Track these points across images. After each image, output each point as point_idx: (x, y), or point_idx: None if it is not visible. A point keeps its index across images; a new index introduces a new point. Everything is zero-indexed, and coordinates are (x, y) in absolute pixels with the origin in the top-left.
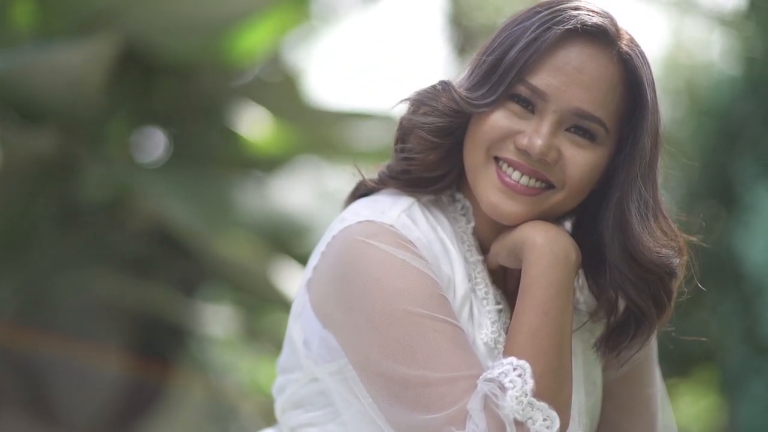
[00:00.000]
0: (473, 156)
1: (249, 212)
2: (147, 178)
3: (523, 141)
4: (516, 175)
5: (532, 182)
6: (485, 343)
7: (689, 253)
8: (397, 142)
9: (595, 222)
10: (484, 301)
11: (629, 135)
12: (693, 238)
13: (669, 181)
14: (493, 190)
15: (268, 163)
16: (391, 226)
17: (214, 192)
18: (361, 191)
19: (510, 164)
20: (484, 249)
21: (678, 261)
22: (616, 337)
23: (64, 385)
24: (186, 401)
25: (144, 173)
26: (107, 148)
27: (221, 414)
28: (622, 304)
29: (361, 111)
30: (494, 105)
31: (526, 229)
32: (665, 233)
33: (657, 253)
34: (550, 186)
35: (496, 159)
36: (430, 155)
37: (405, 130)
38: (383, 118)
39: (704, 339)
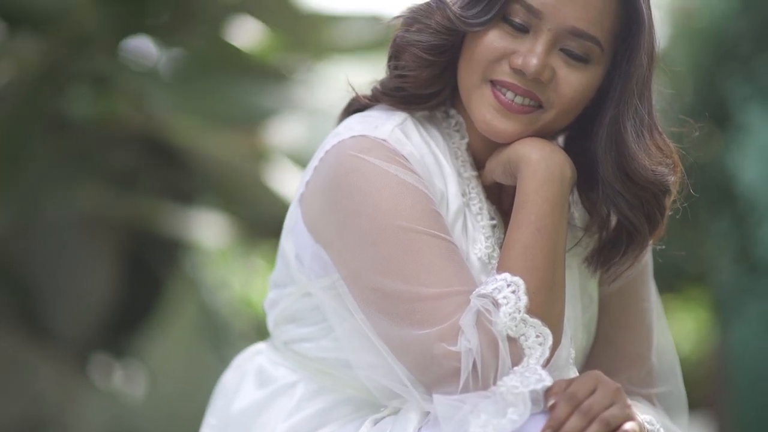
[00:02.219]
0: (468, 77)
1: (243, 115)
2: (138, 85)
3: (518, 60)
4: (510, 95)
5: (527, 101)
6: (479, 258)
7: (682, 170)
8: (390, 59)
9: (587, 138)
10: (478, 217)
11: (625, 52)
12: (684, 152)
13: (661, 100)
14: (488, 108)
15: (261, 70)
16: (384, 140)
17: (207, 96)
18: (354, 107)
19: (504, 86)
20: (478, 165)
21: (673, 178)
22: (608, 252)
23: (55, 300)
24: (178, 316)
25: (135, 81)
26: (97, 58)
27: (213, 329)
28: (614, 219)
29: (349, 13)
30: (489, 25)
31: (521, 145)
32: (660, 149)
33: (653, 171)
34: (542, 105)
35: (492, 82)
36: (423, 72)
37: (398, 48)
38: (370, 18)
39: (683, 253)
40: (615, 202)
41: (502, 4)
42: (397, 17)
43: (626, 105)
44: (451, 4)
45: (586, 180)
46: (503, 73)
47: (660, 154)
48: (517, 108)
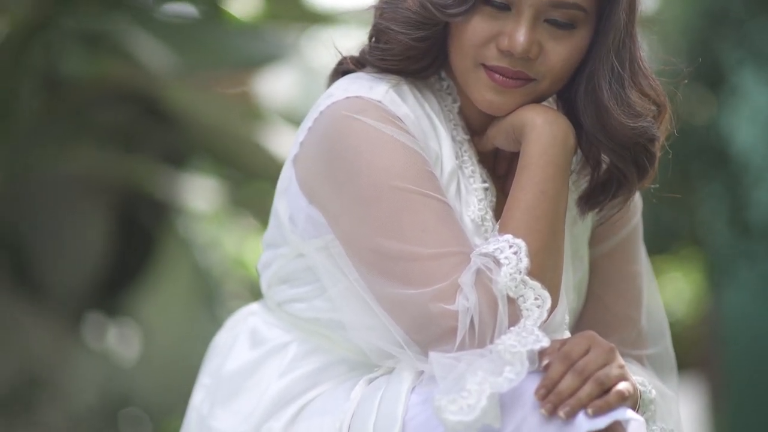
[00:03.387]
0: (460, 62)
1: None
2: (128, 39)
3: (504, 42)
4: (500, 78)
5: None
6: (472, 220)
7: (670, 111)
8: (370, 38)
9: (569, 89)
10: (471, 179)
11: (605, 9)
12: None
13: (653, 63)
14: (486, 89)
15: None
16: (379, 101)
17: (199, 50)
18: (343, 69)
19: (494, 71)
20: (470, 129)
21: (657, 127)
22: (598, 195)
23: (47, 259)
24: (170, 276)
25: (127, 35)
26: (89, 12)
27: (206, 289)
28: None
29: None
30: (470, 12)
31: (525, 111)
32: (646, 95)
33: (631, 126)
34: (533, 78)
35: (483, 65)
36: (409, 56)
37: (380, 33)
38: None
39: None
40: (601, 149)
41: None
42: (371, 7)
43: (601, 62)
44: None
45: (575, 128)
46: (492, 57)
47: (645, 102)
48: (512, 83)
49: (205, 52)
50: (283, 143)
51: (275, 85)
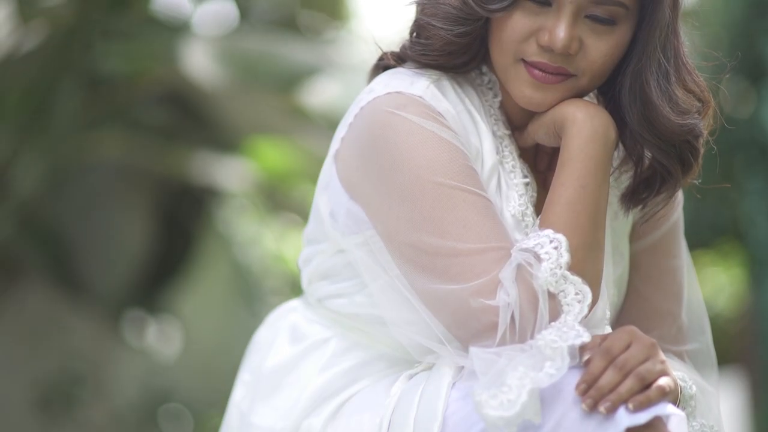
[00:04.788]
0: (500, 57)
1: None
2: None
3: (545, 37)
4: (540, 74)
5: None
6: (513, 215)
7: (715, 107)
8: (411, 34)
9: (612, 87)
10: (512, 174)
11: (649, 4)
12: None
13: (695, 57)
14: (525, 84)
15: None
16: (420, 97)
17: (237, 53)
18: (384, 64)
19: (535, 66)
20: (510, 124)
21: (702, 124)
22: (642, 190)
23: (89, 256)
24: (210, 272)
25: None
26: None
27: (246, 285)
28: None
29: None
30: (510, 7)
31: (566, 106)
32: (690, 91)
33: (679, 124)
34: (573, 74)
35: (523, 61)
36: (450, 52)
37: (421, 28)
38: None
39: (728, 185)
40: (646, 146)
41: None
42: (415, 2)
43: (648, 59)
44: None
45: (619, 126)
46: (533, 53)
47: (689, 98)
48: (552, 79)
49: (246, 63)
50: (323, 140)
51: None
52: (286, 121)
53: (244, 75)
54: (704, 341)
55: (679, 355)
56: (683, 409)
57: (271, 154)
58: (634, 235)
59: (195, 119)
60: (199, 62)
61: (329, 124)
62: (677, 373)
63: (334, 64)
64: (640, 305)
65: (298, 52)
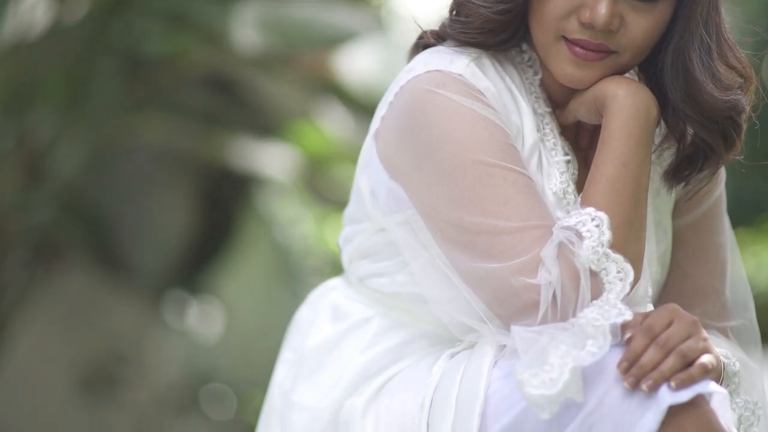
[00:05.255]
0: (541, 34)
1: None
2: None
3: (586, 14)
4: (581, 51)
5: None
6: (554, 193)
7: (756, 84)
8: (451, 12)
9: (653, 64)
10: (553, 152)
11: None
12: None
13: (736, 33)
14: (566, 62)
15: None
16: (460, 75)
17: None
18: (424, 43)
19: (576, 44)
20: (551, 101)
21: (745, 99)
22: (685, 167)
23: (130, 237)
24: (251, 253)
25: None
26: None
27: (286, 266)
28: (691, 132)
29: None
30: None
31: (607, 83)
32: (732, 67)
33: (723, 100)
34: (614, 51)
35: (564, 38)
36: (490, 30)
37: (461, 6)
38: None
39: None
40: (689, 123)
41: None
42: None
43: (691, 35)
44: None
45: (661, 103)
46: (574, 30)
47: (731, 74)
48: (593, 56)
49: (287, 29)
50: (363, 120)
51: (355, 62)
52: (324, 103)
53: (288, 42)
54: (748, 318)
55: (723, 332)
56: (726, 386)
57: (311, 137)
58: (677, 212)
59: (236, 102)
60: (243, 32)
61: (369, 102)
62: (720, 350)
63: (376, 31)
64: (684, 282)
65: (343, 17)
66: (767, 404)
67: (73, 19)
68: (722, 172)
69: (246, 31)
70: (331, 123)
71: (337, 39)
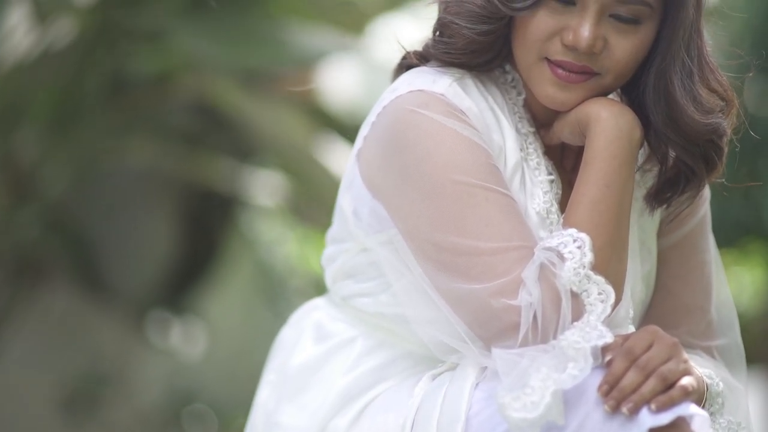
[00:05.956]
0: (523, 55)
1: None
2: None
3: (569, 36)
4: (563, 74)
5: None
6: (537, 213)
7: (737, 106)
8: (434, 32)
9: (635, 86)
10: (536, 171)
11: (673, 4)
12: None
13: (718, 55)
14: (548, 83)
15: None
16: (442, 95)
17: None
18: (407, 64)
19: (558, 65)
20: (535, 121)
21: (726, 122)
22: (667, 190)
23: (113, 257)
24: (235, 273)
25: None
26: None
27: (270, 286)
28: (673, 154)
29: None
30: (535, 6)
31: (590, 104)
32: (714, 91)
33: (704, 123)
34: (597, 73)
35: (546, 60)
36: (473, 51)
37: (444, 26)
38: None
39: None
40: (670, 145)
41: None
42: (439, 0)
43: (673, 58)
44: None
45: (643, 123)
46: (556, 52)
47: (713, 97)
48: (576, 78)
49: (265, 47)
50: (347, 142)
51: (338, 83)
52: (308, 127)
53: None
54: (733, 337)
55: (708, 351)
56: (710, 406)
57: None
58: (662, 232)
59: (220, 124)
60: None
61: (352, 123)
62: (704, 370)
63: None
64: (669, 301)
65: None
66: (751, 424)
67: (60, 42)
68: (706, 192)
69: (227, 50)
70: (315, 144)
71: (316, 57)
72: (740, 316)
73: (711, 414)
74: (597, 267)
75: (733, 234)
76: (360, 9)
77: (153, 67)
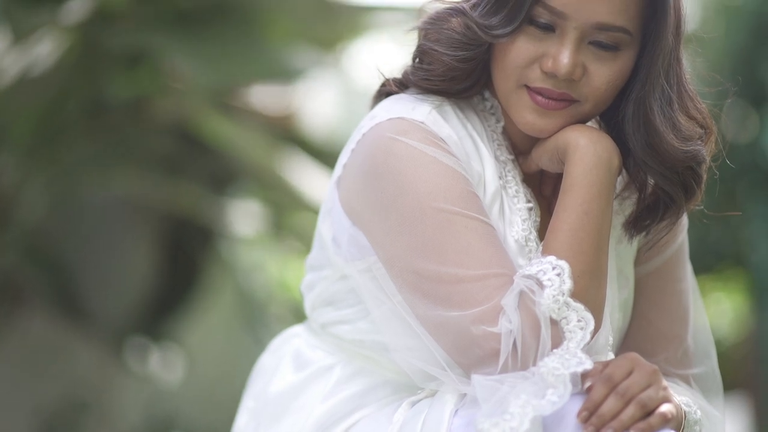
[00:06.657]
0: (503, 82)
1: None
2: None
3: (548, 63)
4: (543, 100)
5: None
6: (516, 241)
7: (716, 134)
8: (414, 59)
9: (615, 113)
10: (515, 199)
11: (652, 32)
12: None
13: (697, 82)
14: (528, 110)
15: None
16: (422, 122)
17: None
18: (386, 91)
19: (538, 92)
20: (514, 148)
21: (705, 150)
22: (646, 217)
23: (93, 284)
24: (214, 300)
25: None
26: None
27: (250, 312)
28: (652, 182)
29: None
30: (514, 33)
31: (569, 132)
32: (693, 118)
33: (683, 151)
34: (576, 100)
35: (526, 86)
36: (452, 77)
37: (424, 53)
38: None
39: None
40: (649, 173)
41: (526, 10)
42: (414, 28)
43: (652, 85)
44: (473, 14)
45: (622, 153)
46: (536, 79)
47: (691, 124)
48: (555, 105)
49: (245, 64)
50: (325, 168)
51: (316, 108)
52: (285, 151)
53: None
54: (710, 365)
55: (685, 379)
56: None
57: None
58: (639, 260)
59: (199, 150)
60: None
61: (331, 150)
62: (682, 398)
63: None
64: (646, 329)
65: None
66: None
67: (40, 66)
68: (684, 220)
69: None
70: (293, 170)
71: (296, 74)
72: (720, 343)
73: None
74: (576, 294)
75: (713, 260)
76: (338, 30)
77: (132, 91)
